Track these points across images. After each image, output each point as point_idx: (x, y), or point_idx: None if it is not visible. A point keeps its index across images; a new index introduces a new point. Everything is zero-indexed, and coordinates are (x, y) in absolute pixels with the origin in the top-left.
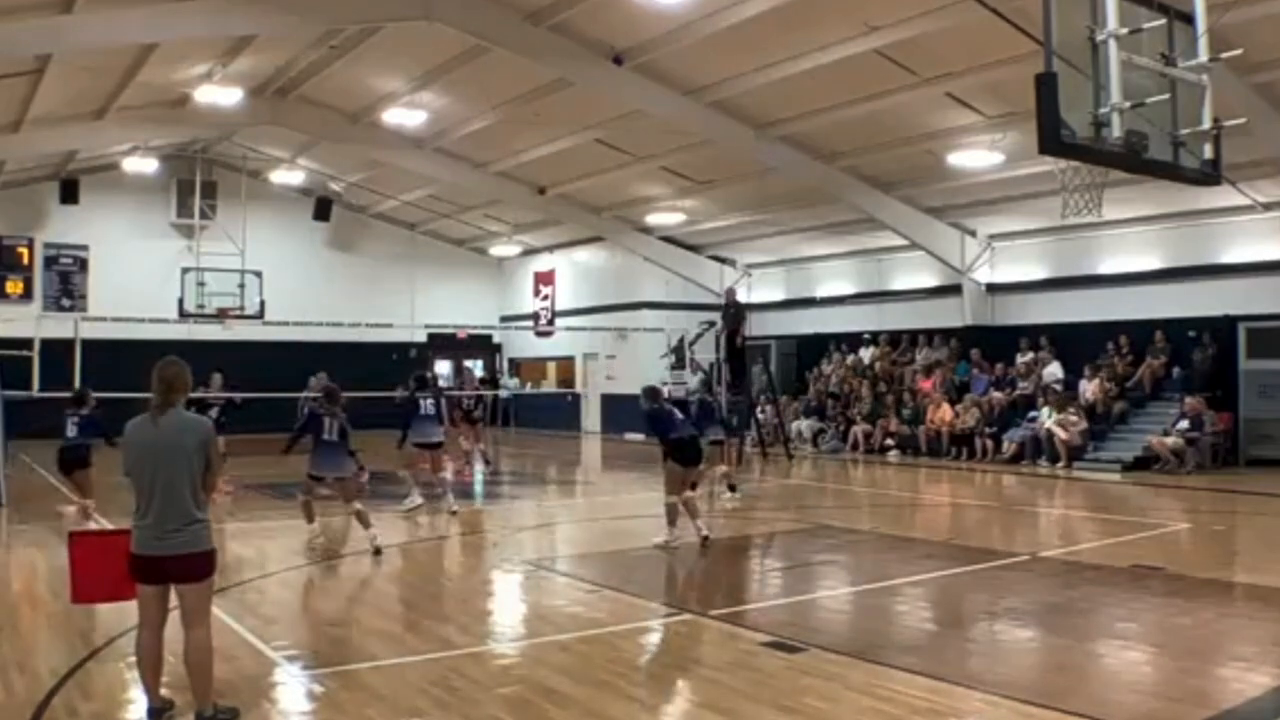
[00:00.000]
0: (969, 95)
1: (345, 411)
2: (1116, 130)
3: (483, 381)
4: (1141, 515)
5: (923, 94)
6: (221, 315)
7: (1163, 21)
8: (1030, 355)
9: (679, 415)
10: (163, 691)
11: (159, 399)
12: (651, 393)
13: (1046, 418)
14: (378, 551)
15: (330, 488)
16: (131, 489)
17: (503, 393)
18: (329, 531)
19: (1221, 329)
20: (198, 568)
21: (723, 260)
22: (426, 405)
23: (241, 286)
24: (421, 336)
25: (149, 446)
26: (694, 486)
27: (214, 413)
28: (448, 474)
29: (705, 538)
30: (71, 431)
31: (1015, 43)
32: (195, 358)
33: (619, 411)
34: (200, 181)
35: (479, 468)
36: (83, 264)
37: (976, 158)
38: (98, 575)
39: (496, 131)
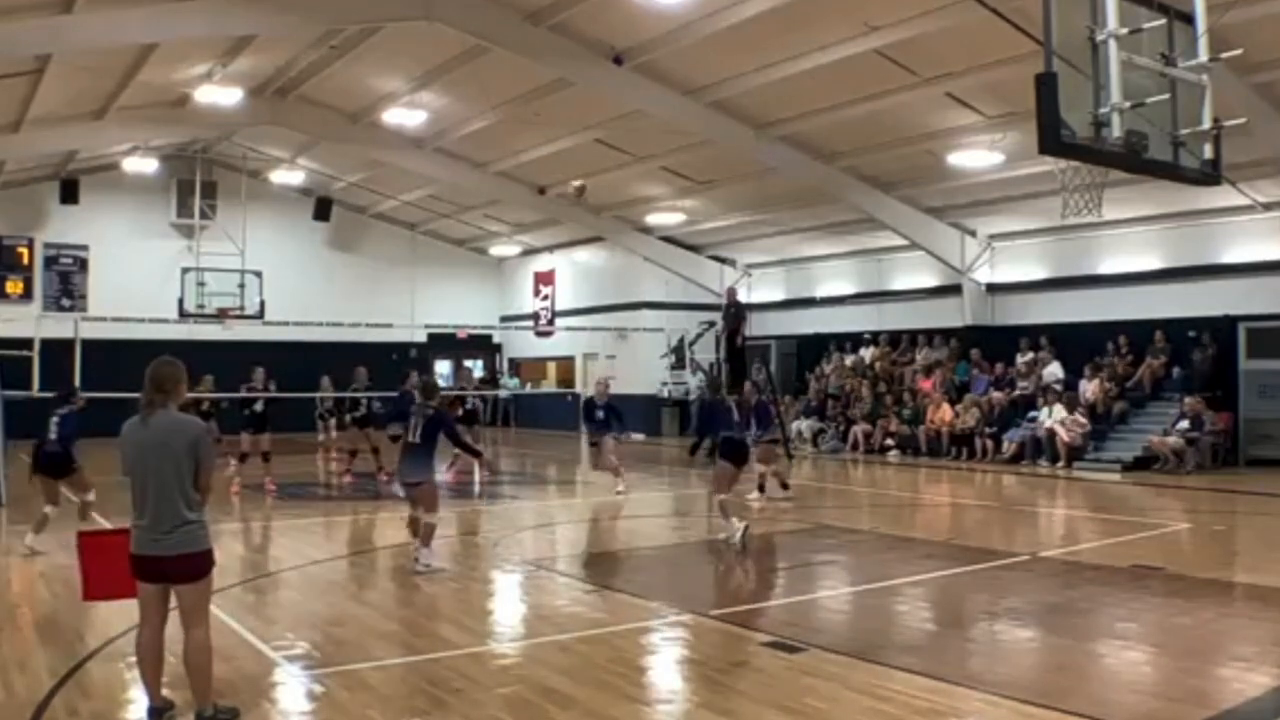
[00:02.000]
0: (969, 95)
1: (437, 409)
2: (1116, 130)
3: (483, 381)
4: (1141, 515)
5: (923, 94)
6: (221, 315)
7: (1163, 21)
8: (1030, 355)
9: (736, 414)
10: (163, 691)
11: (147, 399)
12: (714, 384)
13: (1048, 417)
14: (419, 570)
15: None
16: (130, 489)
17: (503, 393)
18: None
19: (1221, 329)
20: (194, 568)
21: (723, 260)
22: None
23: (241, 286)
24: (421, 336)
25: (141, 447)
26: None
27: (258, 406)
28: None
29: (729, 542)
30: (53, 433)
31: (1015, 43)
32: (195, 358)
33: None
34: (200, 181)
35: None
36: (83, 264)
37: (976, 158)
38: (107, 573)
39: (496, 131)
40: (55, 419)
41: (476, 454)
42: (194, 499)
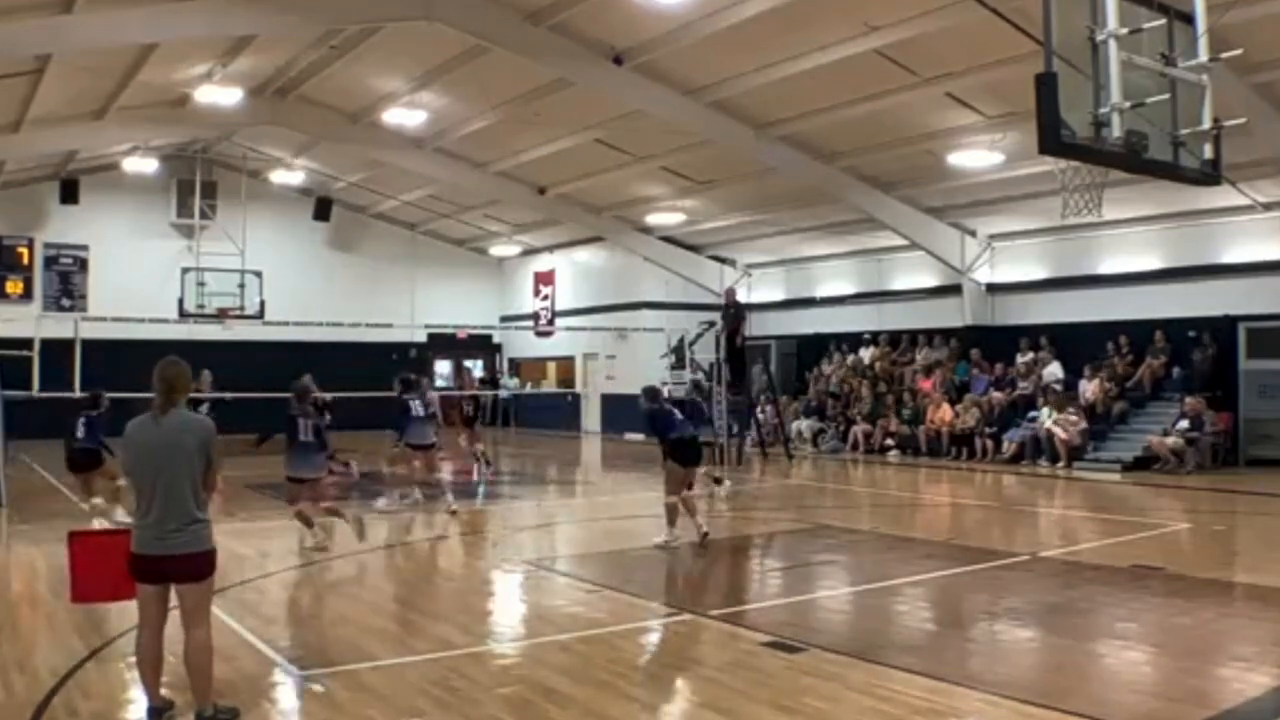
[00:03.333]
0: (969, 95)
1: (322, 412)
2: (1116, 130)
3: (483, 381)
4: (1141, 515)
5: (923, 94)
6: (221, 315)
7: (1163, 21)
8: (1030, 355)
9: (679, 415)
10: (163, 691)
11: (161, 399)
12: (651, 393)
13: (1046, 418)
14: (320, 549)
15: (307, 489)
16: (132, 489)
17: (503, 393)
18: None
19: (1221, 329)
20: (199, 567)
21: (723, 260)
22: (416, 407)
23: (241, 286)
24: (421, 336)
25: (150, 446)
26: (690, 486)
27: (204, 409)
28: (446, 475)
29: (705, 535)
30: (80, 432)
31: (1015, 43)
32: (195, 358)
33: (619, 411)
34: (200, 181)
35: (480, 470)
36: (83, 264)
37: (976, 158)
38: (97, 575)
39: (496, 131)
40: (82, 420)
41: (345, 466)
42: (203, 498)
